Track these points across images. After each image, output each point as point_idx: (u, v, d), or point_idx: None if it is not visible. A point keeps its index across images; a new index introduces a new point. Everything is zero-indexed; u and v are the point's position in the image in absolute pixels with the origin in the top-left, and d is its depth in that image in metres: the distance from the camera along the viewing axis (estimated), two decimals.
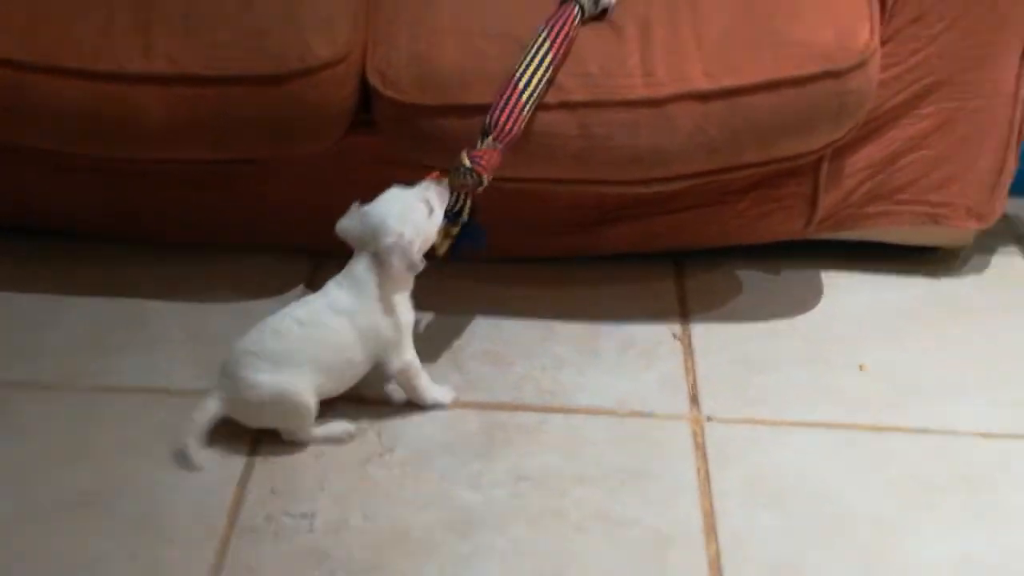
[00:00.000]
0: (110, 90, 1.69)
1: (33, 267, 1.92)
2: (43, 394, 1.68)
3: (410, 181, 1.60)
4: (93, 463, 1.57)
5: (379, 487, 1.55)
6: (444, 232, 1.63)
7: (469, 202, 1.64)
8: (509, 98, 1.61)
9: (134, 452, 1.58)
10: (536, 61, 1.63)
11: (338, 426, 1.62)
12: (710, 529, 1.50)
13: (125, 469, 1.56)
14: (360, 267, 1.58)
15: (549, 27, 1.65)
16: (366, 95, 1.73)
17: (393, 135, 1.74)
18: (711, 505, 1.53)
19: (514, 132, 1.61)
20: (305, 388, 1.55)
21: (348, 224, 1.59)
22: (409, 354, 1.63)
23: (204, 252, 1.94)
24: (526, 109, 1.62)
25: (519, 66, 1.62)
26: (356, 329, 1.58)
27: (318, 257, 1.93)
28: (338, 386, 1.61)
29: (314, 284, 1.86)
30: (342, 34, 1.70)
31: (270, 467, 1.57)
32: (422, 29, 1.71)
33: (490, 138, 1.60)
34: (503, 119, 1.60)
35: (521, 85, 1.61)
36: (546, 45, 1.64)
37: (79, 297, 1.86)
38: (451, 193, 1.61)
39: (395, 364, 1.62)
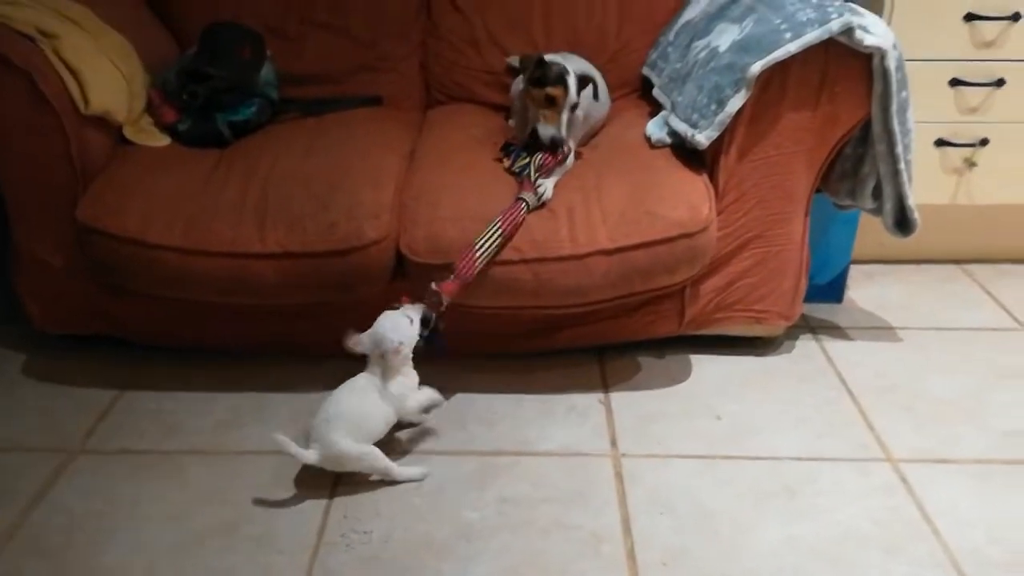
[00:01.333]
0: (240, 264, 1.69)
1: (191, 372, 1.89)
2: (199, 457, 1.65)
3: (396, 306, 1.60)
4: (231, 503, 1.53)
5: (414, 510, 1.51)
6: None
7: (436, 317, 1.61)
8: (467, 254, 1.62)
9: (257, 494, 1.54)
10: (489, 234, 1.64)
11: (416, 470, 1.57)
12: (627, 529, 1.46)
13: (251, 505, 1.52)
14: (376, 364, 1.58)
15: (503, 216, 1.66)
16: (400, 260, 1.73)
17: (416, 282, 1.73)
18: (627, 513, 1.50)
19: (467, 274, 1.61)
20: (365, 444, 1.51)
21: (363, 340, 1.56)
22: (413, 403, 1.60)
23: (299, 359, 1.92)
24: (479, 262, 1.62)
25: (478, 237, 1.64)
26: (385, 398, 1.56)
27: None
28: (381, 430, 1.56)
29: None
30: (384, 223, 1.71)
31: (344, 500, 1.53)
32: (432, 218, 1.72)
33: (452, 276, 1.61)
34: (462, 266, 1.61)
35: (476, 247, 1.63)
36: (498, 226, 1.65)
37: (222, 393, 1.83)
38: (424, 308, 1.59)
39: (407, 411, 1.60)
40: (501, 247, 1.65)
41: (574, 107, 1.80)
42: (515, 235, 1.67)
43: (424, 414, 1.66)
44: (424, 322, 1.59)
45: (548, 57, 1.81)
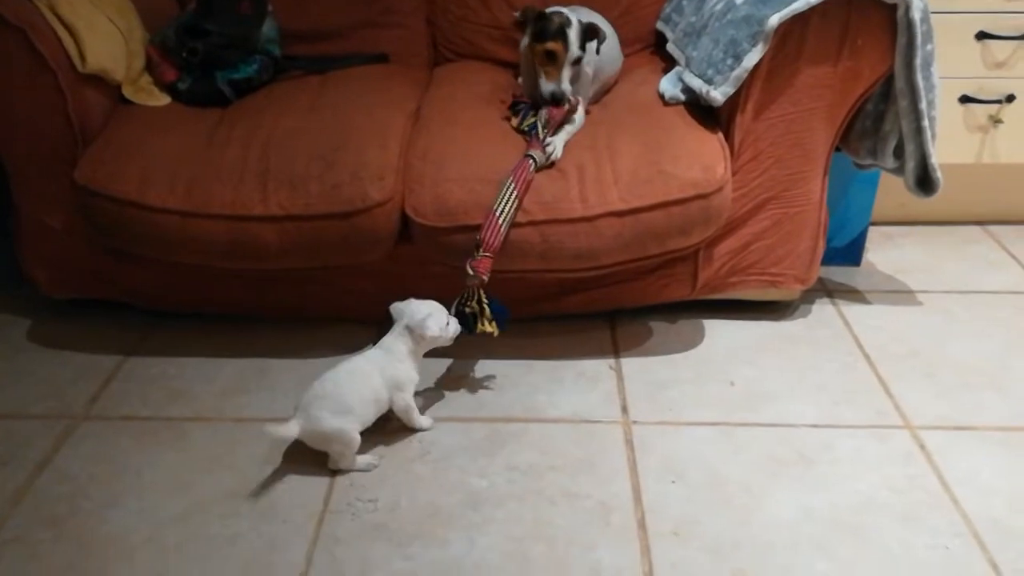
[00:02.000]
0: (242, 227, 1.64)
1: (195, 337, 1.85)
2: (203, 424, 1.62)
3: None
4: (234, 470, 1.50)
5: (420, 478, 1.48)
6: (485, 319, 1.58)
7: (480, 293, 1.58)
8: (491, 224, 1.56)
9: (261, 462, 1.52)
10: (506, 197, 1.58)
11: (364, 460, 1.50)
12: (637, 498, 1.43)
13: (255, 473, 1.49)
14: (393, 336, 1.53)
15: (514, 175, 1.60)
16: (405, 222, 1.68)
17: (423, 246, 1.69)
18: (638, 482, 1.46)
19: (496, 244, 1.56)
20: (353, 425, 1.46)
21: (396, 306, 1.54)
22: (410, 397, 1.54)
23: (304, 324, 1.88)
24: (502, 229, 1.57)
25: (495, 201, 1.58)
26: (383, 376, 1.50)
27: (379, 324, 1.84)
28: (371, 418, 1.50)
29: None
30: (389, 185, 1.65)
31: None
32: (438, 179, 1.66)
33: (481, 250, 1.55)
34: (488, 237, 1.56)
35: (497, 213, 1.57)
36: (512, 187, 1.59)
37: (226, 359, 1.79)
38: (464, 290, 1.56)
39: (398, 404, 1.54)
40: (518, 209, 1.60)
41: (577, 60, 1.72)
42: (526, 195, 1.61)
43: (409, 421, 1.58)
44: (462, 305, 1.57)
45: (552, 10, 1.74)
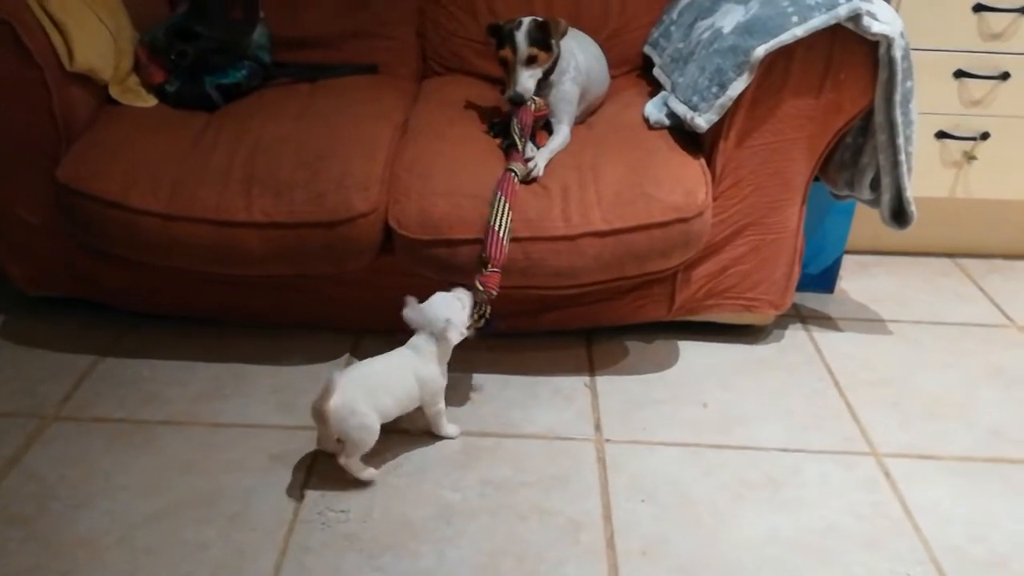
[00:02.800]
0: (224, 232, 1.64)
1: (171, 340, 1.85)
2: (176, 427, 1.61)
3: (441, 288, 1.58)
4: (207, 475, 1.50)
5: (393, 490, 1.48)
6: (473, 326, 1.58)
7: (488, 308, 1.59)
8: (493, 239, 1.58)
9: (233, 468, 1.51)
10: (501, 211, 1.59)
11: (369, 472, 1.49)
12: (607, 517, 1.44)
13: (227, 479, 1.49)
14: (421, 340, 1.53)
15: (501, 189, 1.62)
16: (388, 233, 1.68)
17: (405, 258, 1.70)
18: (608, 500, 1.48)
19: (502, 258, 1.58)
20: (375, 417, 1.45)
21: (411, 315, 1.54)
22: (441, 402, 1.57)
23: (284, 331, 1.88)
24: (505, 243, 1.59)
25: (491, 217, 1.59)
26: (416, 378, 1.51)
27: (358, 333, 1.88)
28: (392, 416, 1.50)
29: (356, 352, 1.82)
30: (373, 195, 1.66)
31: (321, 479, 1.50)
32: (423, 191, 1.67)
33: (489, 266, 1.57)
34: (494, 252, 1.58)
35: (497, 228, 1.58)
36: (503, 201, 1.60)
37: (202, 363, 1.79)
38: (474, 304, 1.57)
39: (432, 407, 1.56)
40: (512, 221, 1.61)
41: (531, 59, 1.72)
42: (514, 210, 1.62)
43: (438, 427, 1.60)
44: (478, 317, 1.57)
45: (510, 20, 1.75)
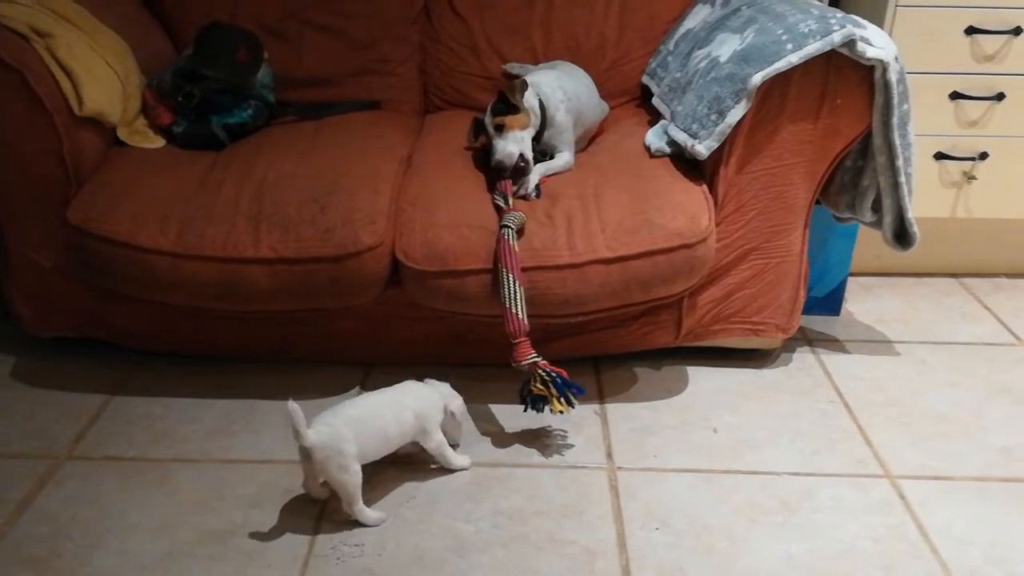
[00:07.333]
0: (233, 269, 1.66)
1: (181, 377, 1.86)
2: (189, 465, 1.62)
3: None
4: (220, 512, 1.50)
5: (406, 523, 1.48)
6: (555, 398, 1.59)
7: (539, 374, 1.60)
8: (508, 317, 1.60)
9: (247, 504, 1.51)
10: (507, 285, 1.60)
11: (375, 515, 1.47)
12: (622, 545, 1.44)
13: (241, 515, 1.49)
14: (437, 385, 1.60)
15: (502, 262, 1.61)
16: (396, 266, 1.70)
17: (414, 289, 1.71)
18: (622, 528, 1.47)
19: (522, 329, 1.60)
20: (355, 455, 1.43)
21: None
22: (440, 435, 1.57)
23: (293, 365, 1.89)
24: (520, 316, 1.60)
25: (502, 295, 1.60)
26: (414, 413, 1.52)
27: (367, 367, 1.89)
28: (384, 450, 1.50)
29: (366, 385, 1.83)
30: (380, 229, 1.68)
31: (334, 513, 1.49)
32: (428, 224, 1.69)
33: (515, 340, 1.60)
34: (512, 329, 1.60)
35: (508, 305, 1.60)
36: (506, 273, 1.61)
37: (212, 399, 1.80)
38: (529, 377, 1.61)
39: (431, 442, 1.56)
40: (522, 287, 1.61)
41: (500, 128, 1.75)
42: (515, 263, 1.62)
43: (445, 461, 1.59)
44: (531, 377, 1.61)
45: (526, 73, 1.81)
